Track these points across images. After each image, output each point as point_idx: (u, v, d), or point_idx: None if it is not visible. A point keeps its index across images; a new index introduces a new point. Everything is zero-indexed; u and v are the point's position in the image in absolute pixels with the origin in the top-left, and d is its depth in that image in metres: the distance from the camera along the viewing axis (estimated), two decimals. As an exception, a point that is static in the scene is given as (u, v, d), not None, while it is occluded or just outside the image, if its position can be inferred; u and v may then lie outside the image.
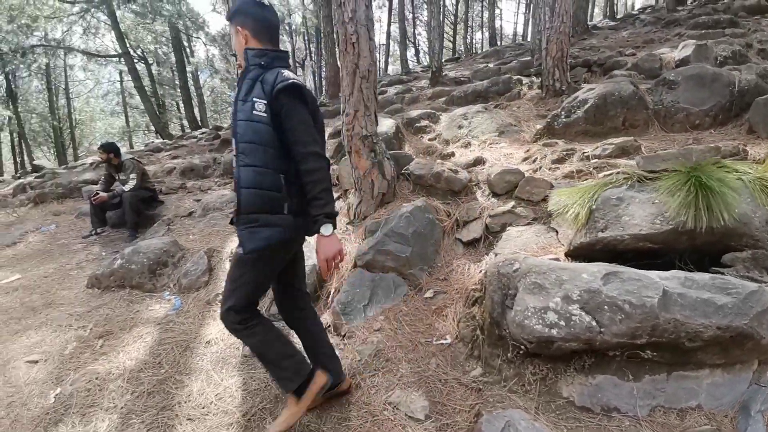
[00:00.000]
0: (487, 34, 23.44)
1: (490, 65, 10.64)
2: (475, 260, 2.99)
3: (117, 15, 14.07)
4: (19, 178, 15.65)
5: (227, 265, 3.51)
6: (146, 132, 24.15)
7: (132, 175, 4.84)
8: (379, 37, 28.37)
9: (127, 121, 23.51)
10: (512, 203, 3.14)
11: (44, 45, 15.20)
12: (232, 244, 3.81)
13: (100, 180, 5.38)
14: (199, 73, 22.07)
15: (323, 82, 13.22)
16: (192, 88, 18.58)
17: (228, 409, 2.07)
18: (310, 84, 28.00)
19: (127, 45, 14.60)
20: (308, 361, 1.90)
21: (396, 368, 2.23)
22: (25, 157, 25.96)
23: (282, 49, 1.75)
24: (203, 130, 17.21)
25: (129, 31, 15.68)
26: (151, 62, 18.81)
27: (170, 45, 19.96)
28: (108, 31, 18.47)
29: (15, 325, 2.99)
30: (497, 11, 24.60)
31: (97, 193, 4.88)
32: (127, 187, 4.80)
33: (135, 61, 16.08)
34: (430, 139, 5.93)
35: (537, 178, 3.20)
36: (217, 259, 3.57)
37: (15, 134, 23.42)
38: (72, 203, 6.34)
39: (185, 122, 23.21)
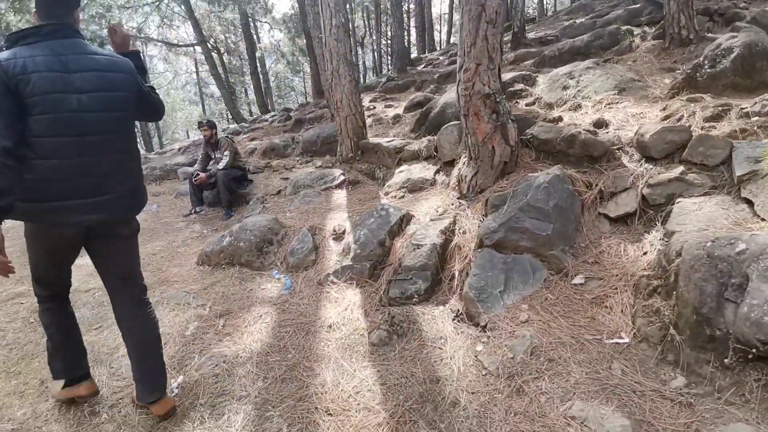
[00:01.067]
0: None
1: (580, 21, 9.44)
2: (633, 240, 2.44)
3: (191, 3, 14.51)
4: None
5: (331, 244, 3.29)
6: (220, 118, 25.35)
7: (226, 153, 4.82)
8: (440, 6, 26.92)
9: (203, 109, 24.85)
10: (680, 168, 2.51)
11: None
12: (333, 222, 3.58)
13: (198, 160, 5.45)
14: (265, 58, 22.49)
15: (389, 58, 12.80)
16: (259, 74, 18.94)
17: (370, 406, 1.80)
18: (369, 63, 27.51)
19: (203, 33, 15.08)
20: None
21: (565, 372, 1.81)
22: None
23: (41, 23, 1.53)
24: (272, 113, 17.61)
25: (202, 20, 16.19)
26: (222, 51, 19.42)
27: (239, 33, 20.56)
28: (182, 23, 19.42)
29: (134, 302, 2.99)
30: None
31: (198, 174, 4.91)
32: (220, 165, 4.78)
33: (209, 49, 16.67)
34: (528, 104, 5.26)
35: (714, 137, 2.52)
36: (320, 237, 3.36)
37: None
38: (170, 184, 6.58)
39: (253, 107, 24.09)
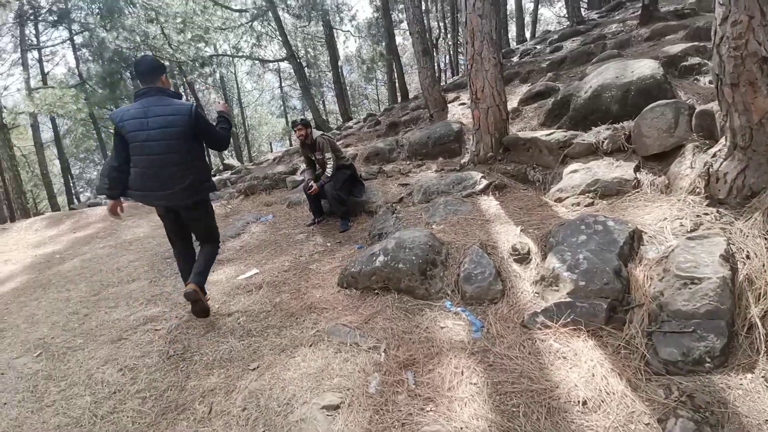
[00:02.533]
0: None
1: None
2: None
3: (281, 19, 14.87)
4: (214, 175, 18.43)
5: (515, 268, 2.50)
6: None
7: (327, 155, 4.30)
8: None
9: (287, 122, 25.84)
10: None
11: (222, 54, 17.05)
12: (505, 238, 2.80)
13: (303, 168, 5.04)
14: (342, 67, 22.75)
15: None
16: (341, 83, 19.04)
17: None
18: (443, 65, 26.59)
19: (292, 48, 15.40)
20: None
21: None
22: (212, 158, 31.30)
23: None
24: (354, 120, 17.53)
25: (289, 35, 16.60)
26: (304, 65, 19.90)
27: (318, 46, 21.01)
28: (268, 42, 20.26)
29: (277, 337, 2.46)
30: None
31: (311, 185, 4.47)
32: (329, 171, 4.28)
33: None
34: (711, 82, 4.06)
35: None
36: (496, 257, 2.60)
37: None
38: (279, 193, 6.34)
39: (330, 117, 24.51)
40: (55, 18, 17.05)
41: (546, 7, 27.58)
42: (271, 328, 2.61)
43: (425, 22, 6.22)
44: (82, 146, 24.79)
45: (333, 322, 2.41)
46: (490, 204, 3.47)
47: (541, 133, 3.41)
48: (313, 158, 4.53)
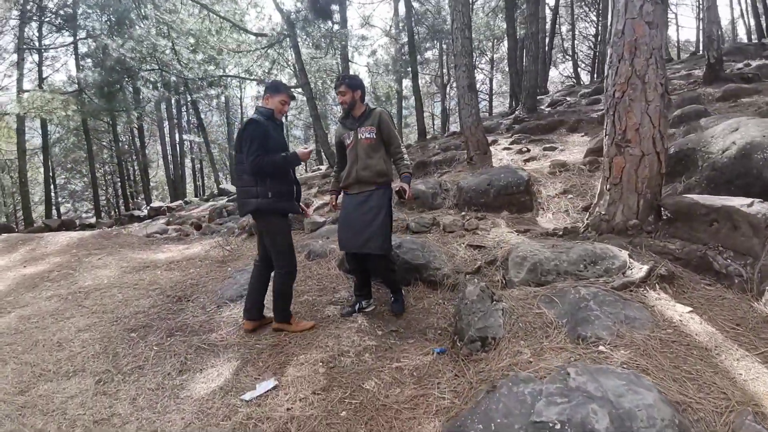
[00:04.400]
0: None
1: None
2: None
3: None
4: (207, 200, 16.81)
5: None
6: (312, 161, 25.12)
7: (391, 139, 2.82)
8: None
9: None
10: None
11: (233, 76, 16.05)
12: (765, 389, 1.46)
13: (319, 206, 3.63)
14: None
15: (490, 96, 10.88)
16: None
17: None
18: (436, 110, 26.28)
19: (307, 76, 14.50)
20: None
21: None
22: (205, 181, 29.64)
23: None
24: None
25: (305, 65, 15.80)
26: (315, 97, 19.09)
27: (332, 79, 20.36)
28: (280, 71, 19.49)
29: None
30: None
31: (401, 190, 2.75)
32: (406, 163, 2.84)
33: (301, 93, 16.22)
34: None
35: None
36: None
37: (197, 160, 26.69)
38: (294, 237, 4.92)
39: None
40: (61, 21, 15.99)
41: (552, 67, 27.97)
42: None
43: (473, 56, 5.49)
44: (71, 156, 23.06)
45: None
46: (671, 308, 2.14)
47: (739, 202, 2.18)
48: (355, 143, 2.70)
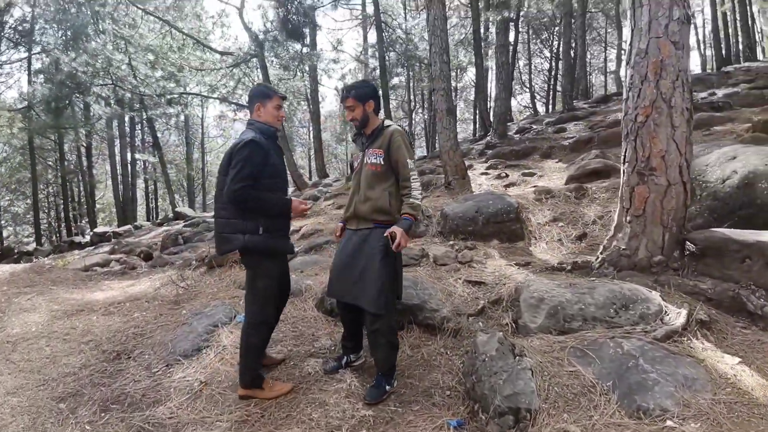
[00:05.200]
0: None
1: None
2: None
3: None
4: (161, 224, 15.43)
5: None
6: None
7: (408, 167, 2.11)
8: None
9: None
10: None
11: (194, 94, 15.22)
12: None
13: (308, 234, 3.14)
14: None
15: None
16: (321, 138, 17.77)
17: None
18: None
19: (273, 95, 13.97)
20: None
21: None
22: (159, 203, 27.60)
23: None
24: (333, 177, 15.99)
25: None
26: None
27: (299, 101, 19.97)
28: (245, 91, 18.86)
29: None
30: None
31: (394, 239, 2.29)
32: (415, 195, 2.14)
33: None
34: None
35: None
36: None
37: (150, 181, 24.93)
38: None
39: (301, 171, 22.89)
40: (18, 36, 14.63)
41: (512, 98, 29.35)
42: None
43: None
44: (15, 177, 20.74)
45: None
46: (721, 361, 1.82)
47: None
48: (360, 168, 2.22)
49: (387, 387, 2.18)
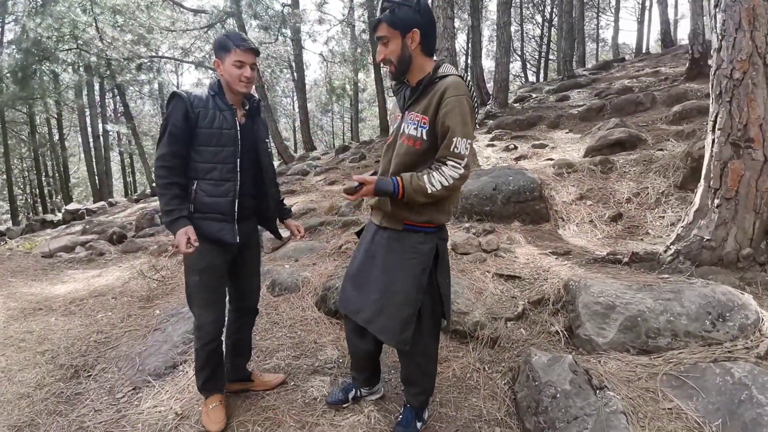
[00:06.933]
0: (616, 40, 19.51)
1: None
2: None
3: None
4: (137, 200, 14.39)
5: None
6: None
7: (457, 139, 1.31)
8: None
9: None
10: None
11: (166, 57, 13.87)
12: None
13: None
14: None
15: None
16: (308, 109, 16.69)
17: None
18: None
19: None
20: None
21: None
22: (137, 177, 26.05)
23: None
24: (321, 150, 15.13)
25: (252, 49, 14.06)
26: (264, 86, 17.34)
27: (281, 69, 18.60)
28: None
29: None
30: None
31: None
32: (438, 181, 1.34)
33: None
34: None
35: None
36: None
37: (126, 155, 23.39)
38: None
39: (290, 143, 21.81)
40: None
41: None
42: None
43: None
44: None
45: None
46: None
47: None
48: (394, 138, 1.49)
49: (419, 424, 1.67)
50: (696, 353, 1.58)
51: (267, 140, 1.81)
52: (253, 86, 1.69)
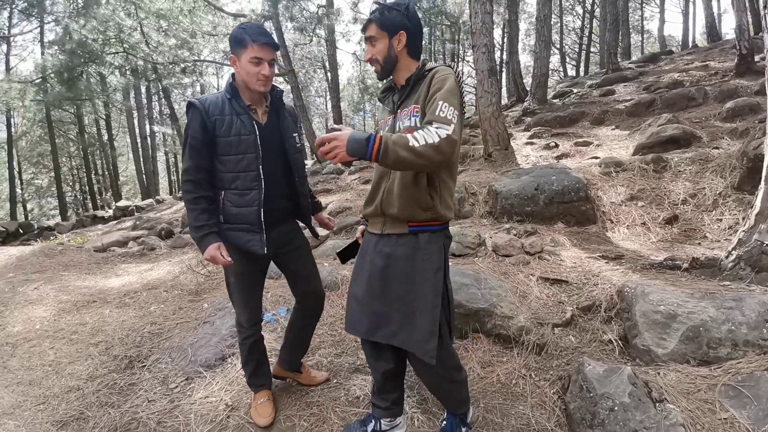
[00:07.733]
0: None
1: None
2: None
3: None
4: (182, 198, 15.22)
5: None
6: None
7: (439, 124, 1.27)
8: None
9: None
10: None
11: (208, 61, 14.48)
12: None
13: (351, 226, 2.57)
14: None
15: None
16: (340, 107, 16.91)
17: None
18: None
19: (292, 63, 13.13)
20: None
21: None
22: (180, 177, 27.43)
23: None
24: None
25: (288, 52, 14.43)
26: (300, 87, 17.74)
27: (314, 70, 18.99)
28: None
29: None
30: None
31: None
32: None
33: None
34: None
35: None
36: None
37: (171, 155, 24.61)
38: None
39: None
40: (29, 6, 14.03)
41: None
42: None
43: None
44: (36, 150, 20.84)
45: None
46: None
47: None
48: (399, 126, 1.40)
49: (464, 429, 1.64)
50: (753, 362, 1.48)
51: (295, 134, 1.70)
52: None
